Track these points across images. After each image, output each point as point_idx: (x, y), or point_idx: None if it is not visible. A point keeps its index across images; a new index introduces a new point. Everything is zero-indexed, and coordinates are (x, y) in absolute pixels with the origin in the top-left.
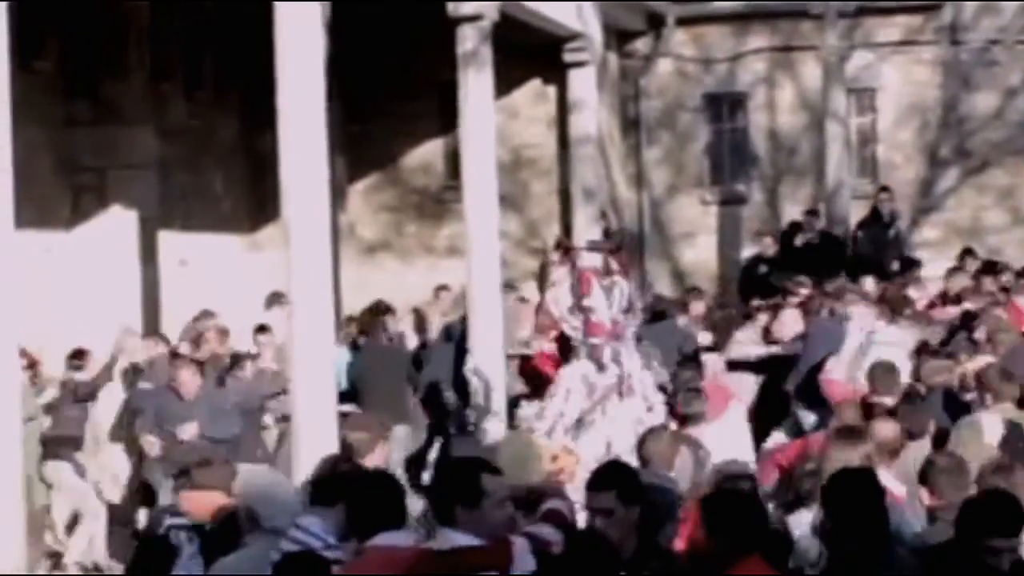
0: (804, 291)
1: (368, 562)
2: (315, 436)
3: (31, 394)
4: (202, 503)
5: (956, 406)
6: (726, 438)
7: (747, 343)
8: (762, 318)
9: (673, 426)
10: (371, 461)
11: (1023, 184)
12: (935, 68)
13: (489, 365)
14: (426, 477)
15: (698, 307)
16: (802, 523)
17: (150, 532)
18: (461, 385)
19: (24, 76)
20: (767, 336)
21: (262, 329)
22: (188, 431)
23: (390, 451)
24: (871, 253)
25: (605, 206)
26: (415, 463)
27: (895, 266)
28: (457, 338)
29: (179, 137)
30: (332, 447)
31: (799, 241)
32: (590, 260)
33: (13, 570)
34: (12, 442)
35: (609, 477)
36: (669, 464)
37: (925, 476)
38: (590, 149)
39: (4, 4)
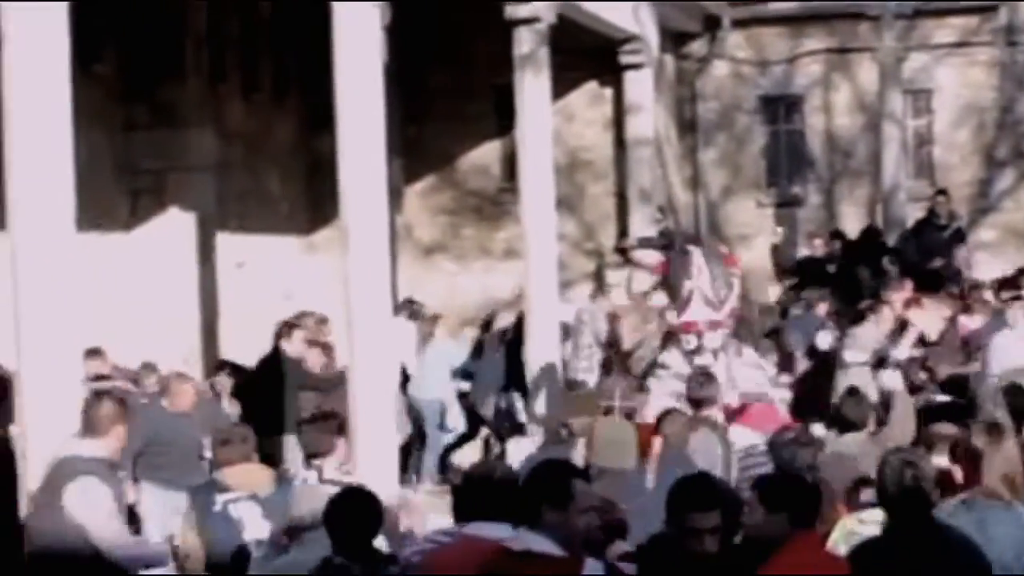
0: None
1: (455, 547)
2: (375, 433)
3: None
4: (238, 475)
5: None
6: None
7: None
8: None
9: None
10: None
11: None
12: (991, 69)
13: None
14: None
15: (823, 306)
16: None
17: (204, 513)
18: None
19: (84, 80)
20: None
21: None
22: None
23: None
24: (918, 259)
25: (664, 208)
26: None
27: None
28: (510, 340)
29: (237, 139)
30: (390, 444)
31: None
32: (645, 257)
33: None
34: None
35: (712, 494)
36: (683, 443)
37: None
38: (646, 151)
39: (64, 6)
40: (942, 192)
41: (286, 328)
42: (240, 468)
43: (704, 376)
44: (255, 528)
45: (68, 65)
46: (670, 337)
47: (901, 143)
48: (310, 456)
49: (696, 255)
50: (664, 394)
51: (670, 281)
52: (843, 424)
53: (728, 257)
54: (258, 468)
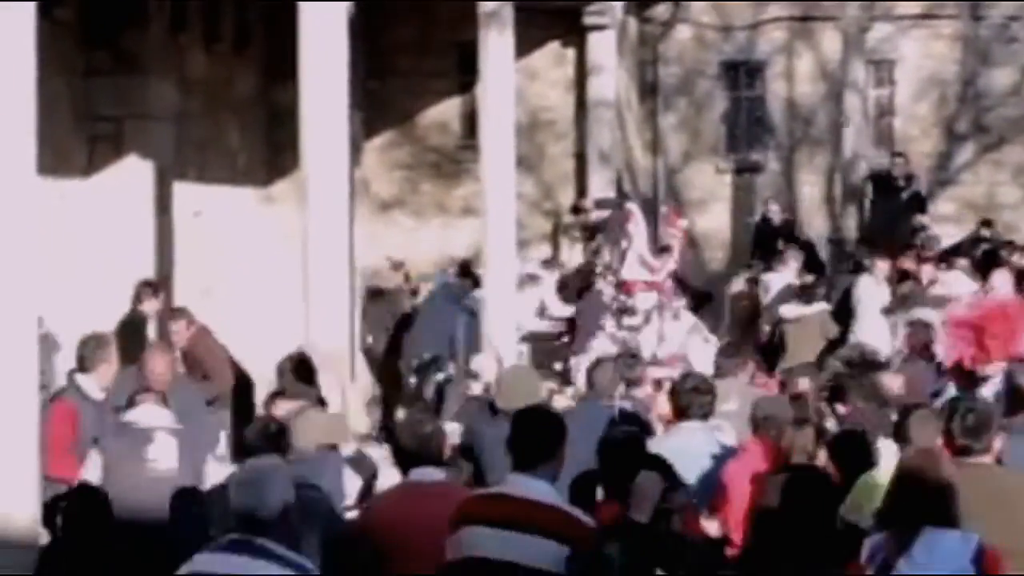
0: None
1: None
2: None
3: None
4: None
5: None
6: None
7: None
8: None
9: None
10: None
11: None
12: (954, 43)
13: (502, 324)
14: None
15: (884, 266)
16: None
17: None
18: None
19: (45, 25)
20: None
21: None
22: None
23: None
24: (884, 224)
25: (620, 170)
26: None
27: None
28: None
29: (197, 89)
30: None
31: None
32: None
33: None
34: (30, 399)
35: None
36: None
37: None
38: (607, 113)
39: None
40: (899, 154)
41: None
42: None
43: (631, 358)
44: None
45: (31, 9)
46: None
47: (862, 113)
48: None
49: (636, 212)
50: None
51: (607, 238)
52: None
53: (670, 217)
54: None
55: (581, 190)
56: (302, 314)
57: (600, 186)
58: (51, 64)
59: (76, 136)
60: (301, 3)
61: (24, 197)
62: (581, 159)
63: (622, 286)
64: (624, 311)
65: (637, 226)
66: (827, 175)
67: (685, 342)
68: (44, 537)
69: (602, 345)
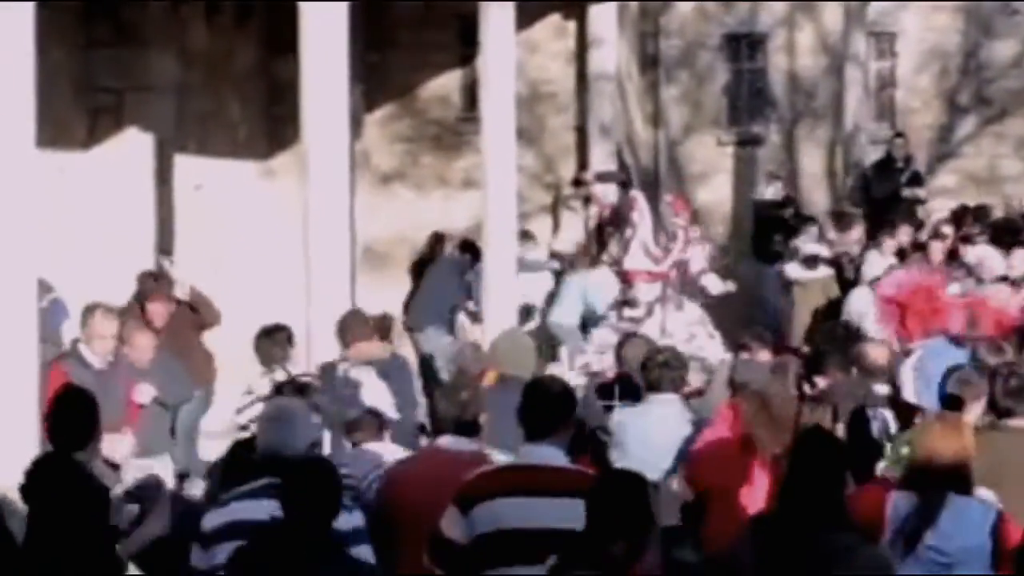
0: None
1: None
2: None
3: None
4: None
5: None
6: None
7: None
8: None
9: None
10: None
11: None
12: (956, 14)
13: (502, 297)
14: None
15: (891, 243)
16: None
17: None
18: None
19: None
20: None
21: None
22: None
23: None
24: (881, 198)
25: (621, 143)
26: None
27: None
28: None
29: (198, 61)
30: None
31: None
32: (605, 193)
33: None
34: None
35: None
36: None
37: None
38: (608, 86)
39: None
40: (900, 135)
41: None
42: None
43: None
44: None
45: None
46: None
47: (863, 85)
48: None
49: (640, 199)
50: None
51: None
52: None
53: (675, 203)
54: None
55: (582, 163)
56: (303, 287)
57: (601, 159)
58: (51, 36)
59: (76, 109)
60: None
61: (23, 170)
62: (582, 132)
63: (624, 276)
64: (625, 302)
65: (641, 214)
66: (828, 148)
67: (690, 335)
68: None
69: (603, 336)
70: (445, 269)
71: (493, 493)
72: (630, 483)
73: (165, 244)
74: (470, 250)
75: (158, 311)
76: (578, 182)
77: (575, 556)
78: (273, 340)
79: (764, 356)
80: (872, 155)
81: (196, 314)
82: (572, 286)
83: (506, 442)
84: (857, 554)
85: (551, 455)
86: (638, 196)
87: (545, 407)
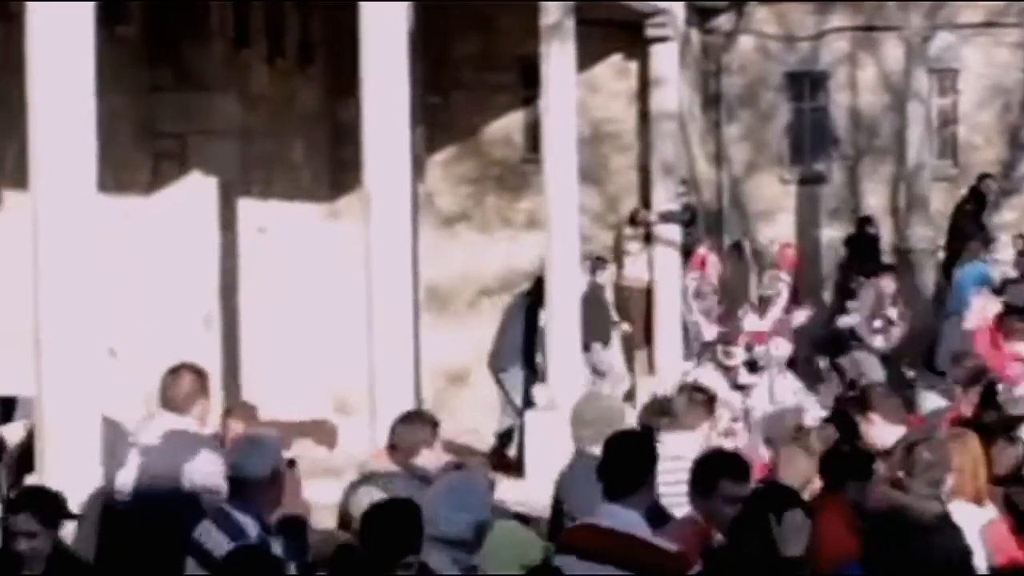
0: None
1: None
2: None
3: None
4: None
5: None
6: None
7: None
8: None
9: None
10: None
11: None
12: (1017, 50)
13: (565, 338)
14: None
15: None
16: None
17: None
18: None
19: (108, 42)
20: None
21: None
22: None
23: None
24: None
25: (687, 178)
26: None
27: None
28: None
29: (260, 104)
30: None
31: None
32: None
33: None
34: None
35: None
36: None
37: None
38: (670, 125)
39: None
40: (988, 176)
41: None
42: None
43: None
44: None
45: (93, 27)
46: (705, 349)
47: (926, 122)
48: None
49: (710, 259)
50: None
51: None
52: None
53: (782, 253)
54: None
55: (645, 202)
56: (366, 329)
57: (664, 198)
58: (114, 81)
59: (140, 153)
60: (363, 17)
61: (85, 215)
62: (645, 171)
63: (728, 339)
64: (727, 369)
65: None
66: (891, 185)
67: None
68: None
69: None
70: (513, 311)
71: (563, 549)
72: None
73: (229, 286)
74: (532, 293)
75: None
76: (634, 220)
77: None
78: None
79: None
80: (935, 191)
81: None
82: None
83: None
84: None
85: (624, 518)
86: (746, 245)
87: (623, 465)
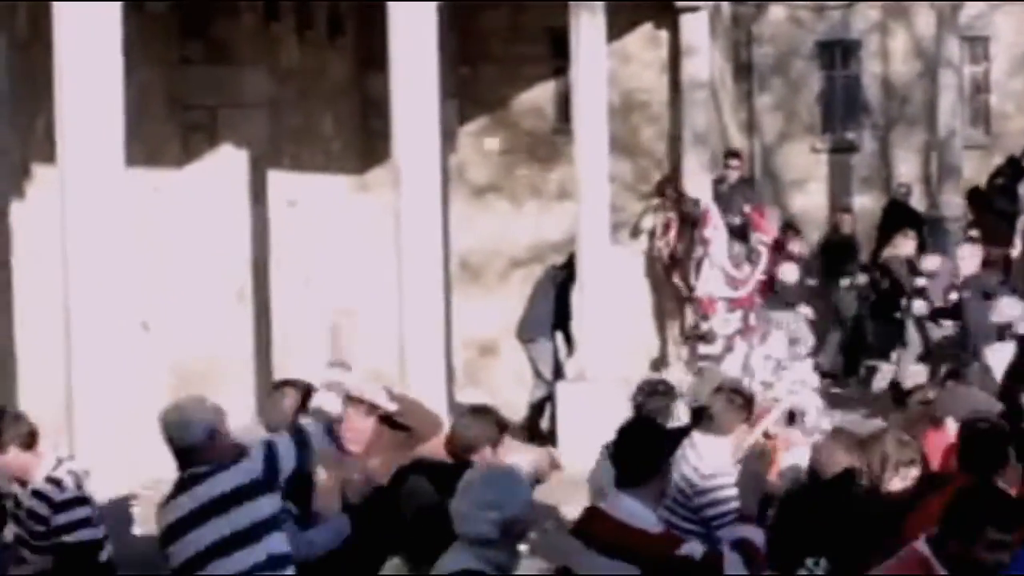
0: None
1: None
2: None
3: None
4: None
5: None
6: None
7: None
8: None
9: None
10: None
11: None
12: None
13: (595, 309)
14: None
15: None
16: None
17: None
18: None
19: (138, 17)
20: None
21: None
22: None
23: None
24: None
25: (739, 150)
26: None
27: None
28: (560, 283)
29: (290, 77)
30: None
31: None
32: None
33: None
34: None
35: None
36: None
37: None
38: (702, 94)
39: None
40: None
41: None
42: None
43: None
44: None
45: (121, 2)
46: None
47: (957, 90)
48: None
49: (714, 213)
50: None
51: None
52: None
53: (753, 216)
54: None
55: (676, 171)
56: (397, 300)
57: (696, 168)
58: (144, 55)
59: (170, 127)
60: None
61: (114, 189)
62: (676, 141)
63: (698, 306)
64: (700, 337)
65: (716, 231)
66: (923, 153)
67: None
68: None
69: (675, 377)
70: (544, 283)
71: (580, 534)
72: None
73: (260, 259)
74: (566, 267)
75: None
76: (662, 190)
77: None
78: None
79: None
80: (967, 160)
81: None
82: None
83: None
84: None
85: (631, 510)
86: (711, 209)
87: (636, 453)
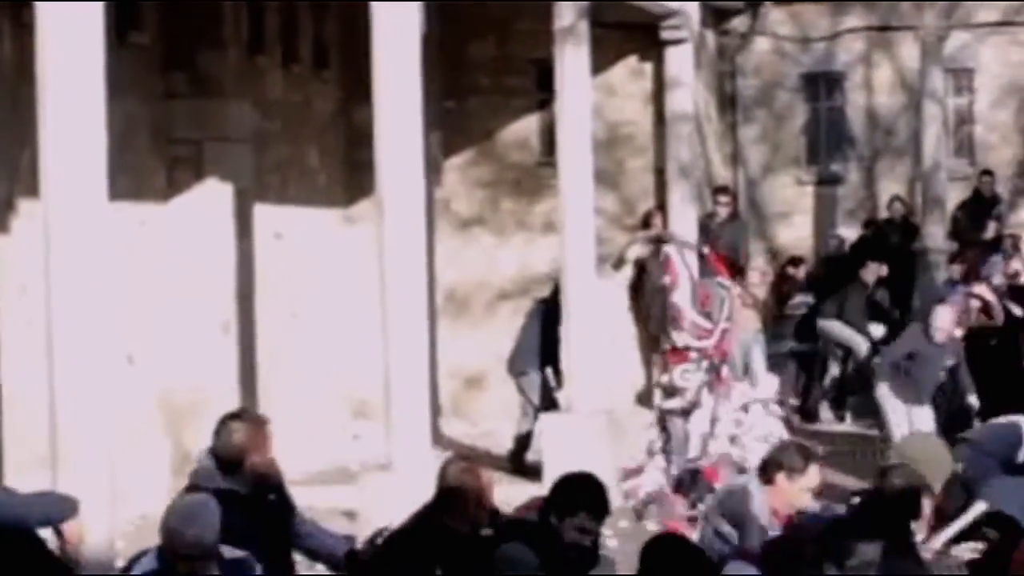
0: None
1: None
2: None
3: None
4: None
5: None
6: None
7: None
8: None
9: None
10: None
11: None
12: None
13: (582, 341)
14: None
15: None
16: None
17: None
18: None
19: (122, 50)
20: None
21: None
22: None
23: None
24: (968, 234)
25: (728, 186)
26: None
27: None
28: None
29: (275, 110)
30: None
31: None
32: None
33: None
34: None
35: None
36: None
37: None
38: (686, 127)
39: None
40: (988, 172)
41: None
42: None
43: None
44: None
45: (102, 32)
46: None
47: (942, 122)
48: None
49: (673, 259)
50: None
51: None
52: None
53: (712, 259)
54: None
55: (661, 204)
56: (381, 334)
57: (680, 200)
58: (128, 88)
59: (154, 160)
60: (376, 22)
61: (97, 222)
62: (661, 173)
63: (664, 357)
64: (667, 391)
65: (676, 277)
66: (908, 185)
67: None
68: (120, 557)
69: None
70: (532, 315)
71: None
72: None
73: (245, 292)
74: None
75: None
76: (647, 223)
77: None
78: None
79: None
80: (952, 192)
81: None
82: None
83: None
84: None
85: None
86: (671, 254)
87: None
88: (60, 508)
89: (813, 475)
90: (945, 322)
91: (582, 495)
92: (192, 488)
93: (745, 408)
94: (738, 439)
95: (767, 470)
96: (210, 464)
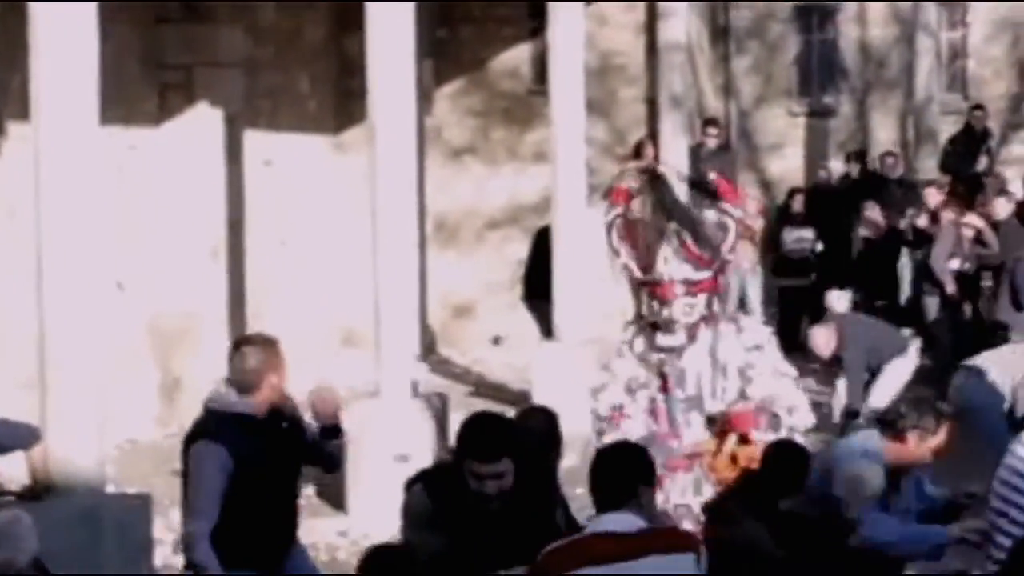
0: None
1: None
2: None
3: None
4: None
5: None
6: None
7: None
8: None
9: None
10: None
11: None
12: None
13: (570, 270)
14: None
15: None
16: None
17: None
18: None
19: None
20: None
21: None
22: None
23: None
24: (959, 168)
25: (717, 118)
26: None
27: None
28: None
29: (267, 36)
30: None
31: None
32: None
33: None
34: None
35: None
36: None
37: None
38: (678, 57)
39: None
40: (979, 107)
41: None
42: None
43: None
44: None
45: None
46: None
47: (935, 55)
48: None
49: (666, 176)
50: (620, 384)
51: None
52: None
53: (719, 183)
54: None
55: (653, 134)
56: (372, 261)
57: (672, 130)
58: (120, 14)
59: (146, 85)
60: None
61: (88, 146)
62: (652, 103)
63: (653, 290)
64: (657, 326)
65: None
66: (900, 118)
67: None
68: (110, 482)
69: (624, 368)
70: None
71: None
72: None
73: (235, 218)
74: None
75: None
76: (638, 153)
77: None
78: None
79: None
80: (944, 125)
81: None
82: None
83: None
84: None
85: (626, 520)
86: (665, 170)
87: (615, 477)
88: (24, 435)
89: (942, 435)
90: (819, 344)
91: (465, 440)
92: (205, 413)
93: (758, 347)
94: (751, 378)
95: (897, 426)
96: (225, 390)
